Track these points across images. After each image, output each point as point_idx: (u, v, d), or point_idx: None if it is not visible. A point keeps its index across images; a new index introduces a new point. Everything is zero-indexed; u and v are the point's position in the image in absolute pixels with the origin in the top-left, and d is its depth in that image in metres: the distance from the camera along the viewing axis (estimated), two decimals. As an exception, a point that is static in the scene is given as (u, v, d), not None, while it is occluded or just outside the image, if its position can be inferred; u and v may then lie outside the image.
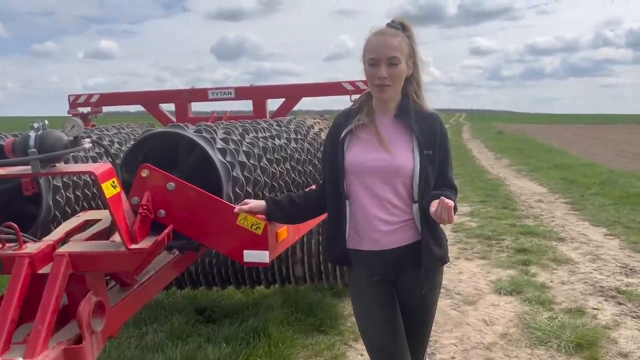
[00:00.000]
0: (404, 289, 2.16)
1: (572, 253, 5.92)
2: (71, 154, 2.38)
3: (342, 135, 2.08)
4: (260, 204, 2.12)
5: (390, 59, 1.98)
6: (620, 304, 4.37)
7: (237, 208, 2.07)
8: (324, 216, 2.86)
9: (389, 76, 1.99)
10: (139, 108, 5.30)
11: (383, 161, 2.03)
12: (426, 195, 2.04)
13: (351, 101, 4.77)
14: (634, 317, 4.08)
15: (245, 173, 2.39)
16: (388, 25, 2.07)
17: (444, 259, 2.15)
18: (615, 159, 17.31)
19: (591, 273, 5.19)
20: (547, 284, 4.88)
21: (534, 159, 17.34)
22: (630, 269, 5.27)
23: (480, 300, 4.56)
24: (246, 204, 2.10)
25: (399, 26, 2.05)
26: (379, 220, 2.06)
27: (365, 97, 2.16)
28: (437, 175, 2.08)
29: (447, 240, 2.19)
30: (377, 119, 2.09)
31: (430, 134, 2.05)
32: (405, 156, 2.02)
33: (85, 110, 4.86)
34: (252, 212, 2.08)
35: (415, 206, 2.04)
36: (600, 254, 5.84)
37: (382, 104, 2.09)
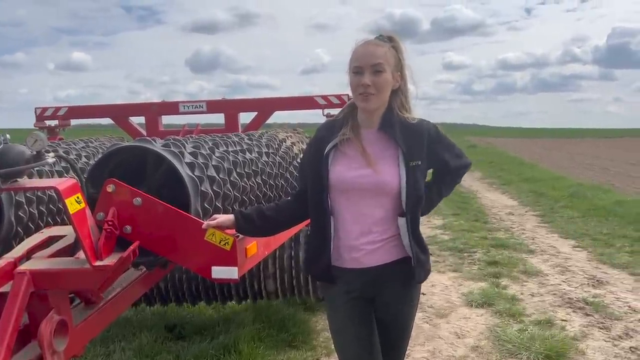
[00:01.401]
0: (381, 306, 2.13)
1: (542, 265, 6.01)
2: (36, 169, 2.33)
3: (327, 150, 2.01)
4: (228, 218, 2.08)
5: (374, 65, 1.94)
6: (587, 315, 4.44)
7: (205, 224, 2.03)
8: (295, 229, 2.85)
9: (373, 84, 1.94)
10: (110, 120, 5.22)
11: (367, 178, 1.98)
12: (417, 209, 2.03)
13: (324, 115, 4.80)
14: (600, 328, 4.15)
15: (214, 187, 2.36)
16: (376, 38, 2.03)
17: (428, 270, 2.15)
18: (583, 172, 17.73)
19: (560, 285, 5.28)
20: (517, 296, 4.94)
21: (505, 172, 17.65)
22: (597, 281, 5.37)
23: (452, 313, 4.58)
24: (214, 219, 2.06)
25: (387, 39, 2.02)
26: (361, 238, 2.02)
27: (349, 109, 2.10)
28: (441, 165, 2.12)
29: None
30: (361, 133, 2.04)
31: (417, 143, 2.00)
32: (390, 172, 1.97)
33: (53, 123, 4.77)
34: (220, 227, 2.05)
35: (402, 220, 2.00)
36: (569, 266, 5.94)
37: (366, 115, 2.03)
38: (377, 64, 1.94)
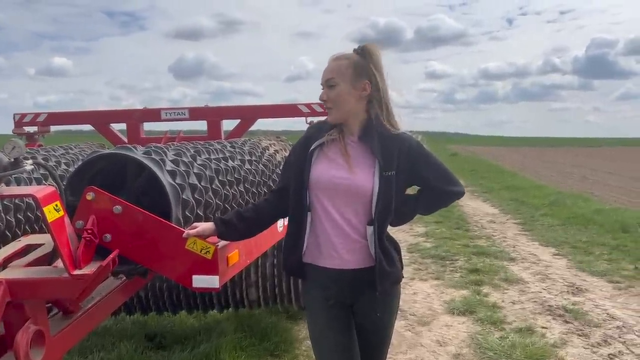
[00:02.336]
0: (360, 312, 2.15)
1: (522, 273, 6.07)
2: (14, 176, 2.29)
3: (312, 148, 2.08)
4: (209, 226, 2.07)
5: (327, 81, 2.06)
6: (567, 322, 4.49)
7: (185, 232, 2.02)
8: (278, 237, 2.85)
9: (328, 98, 2.06)
10: (91, 126, 5.16)
11: (344, 180, 2.03)
12: (386, 219, 2.07)
13: (307, 123, 4.81)
14: (579, 335, 4.20)
15: (196, 195, 2.35)
16: (354, 50, 2.10)
17: (398, 279, 2.16)
18: (562, 181, 18.00)
19: (540, 292, 5.33)
20: (498, 303, 4.98)
21: (486, 180, 17.83)
22: (576, 288, 5.44)
23: (434, 321, 4.60)
24: (194, 227, 2.05)
25: (360, 50, 2.07)
26: (337, 238, 2.06)
27: None
28: (422, 183, 2.15)
29: (401, 257, 2.20)
30: (345, 137, 2.10)
31: (393, 155, 2.03)
32: (365, 177, 2.02)
33: (32, 129, 4.69)
34: (202, 235, 2.04)
35: (370, 228, 2.03)
36: (549, 274, 6.01)
37: (346, 126, 2.10)
38: (329, 79, 2.05)
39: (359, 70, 2.05)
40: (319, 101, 2.15)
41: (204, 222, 2.40)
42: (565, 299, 5.12)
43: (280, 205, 2.17)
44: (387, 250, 2.10)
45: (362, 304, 2.13)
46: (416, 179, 2.13)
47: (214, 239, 2.10)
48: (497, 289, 5.47)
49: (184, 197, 2.22)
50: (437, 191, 2.16)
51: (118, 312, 4.00)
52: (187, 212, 2.24)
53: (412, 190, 2.21)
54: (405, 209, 2.17)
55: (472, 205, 11.97)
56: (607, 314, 4.67)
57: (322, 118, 3.83)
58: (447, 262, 6.61)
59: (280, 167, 3.64)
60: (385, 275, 2.07)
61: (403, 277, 2.21)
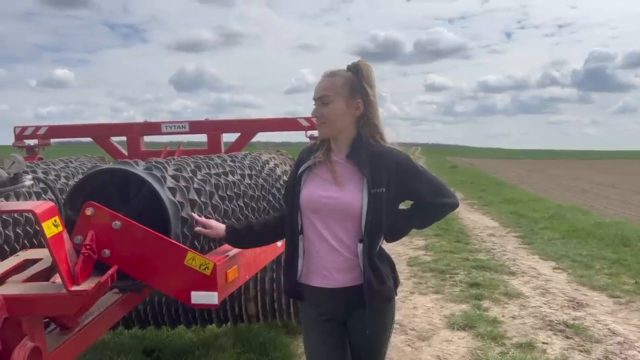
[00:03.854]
0: (352, 329, 2.17)
1: (522, 287, 6.04)
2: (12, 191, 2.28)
3: (300, 171, 2.12)
4: (220, 230, 2.24)
5: (320, 98, 2.07)
6: (568, 337, 4.47)
7: (197, 228, 2.23)
8: (278, 252, 2.86)
9: (320, 115, 2.08)
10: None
11: (332, 199, 2.05)
12: (377, 236, 2.07)
13: (307, 137, 4.81)
14: (581, 351, 4.18)
15: (195, 211, 2.34)
16: (347, 67, 2.11)
17: (389, 297, 2.15)
18: (562, 194, 17.99)
19: (541, 307, 5.30)
20: (499, 318, 4.95)
21: (486, 192, 17.81)
22: (577, 303, 5.41)
23: (434, 336, 4.57)
24: (208, 225, 2.23)
25: (353, 68, 2.09)
26: (329, 257, 2.08)
27: None
28: (414, 197, 2.17)
29: (394, 273, 2.19)
30: (333, 155, 2.12)
31: (382, 171, 2.04)
32: (353, 195, 2.04)
33: (32, 142, 4.70)
34: (210, 235, 2.24)
35: (360, 246, 2.05)
36: (549, 288, 5.98)
37: (334, 141, 2.13)
38: (323, 96, 2.07)
39: (354, 88, 2.07)
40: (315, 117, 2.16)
41: (208, 240, 2.44)
42: (566, 313, 5.09)
43: (281, 226, 2.25)
44: (377, 268, 2.09)
45: (354, 320, 2.15)
46: (408, 193, 2.14)
47: (214, 257, 2.13)
48: (497, 303, 5.44)
49: (183, 214, 2.21)
50: (430, 204, 2.16)
51: (116, 326, 3.97)
52: (185, 230, 2.23)
53: (405, 205, 2.22)
54: (399, 224, 2.17)
55: (471, 218, 11.95)
56: (608, 329, 4.65)
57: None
58: (447, 275, 6.58)
59: (280, 181, 3.64)
60: (374, 294, 2.06)
61: (396, 295, 2.20)
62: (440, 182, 2.18)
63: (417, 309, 5.31)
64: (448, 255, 7.69)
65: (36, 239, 2.62)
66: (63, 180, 3.13)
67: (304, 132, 4.78)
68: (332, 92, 2.06)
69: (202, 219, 2.28)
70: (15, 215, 2.49)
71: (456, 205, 2.23)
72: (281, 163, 3.92)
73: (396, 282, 2.21)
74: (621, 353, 4.13)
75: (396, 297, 2.22)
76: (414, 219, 2.21)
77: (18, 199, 2.57)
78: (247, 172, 3.14)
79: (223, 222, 2.69)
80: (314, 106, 2.11)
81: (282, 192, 3.61)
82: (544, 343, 4.34)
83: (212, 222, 2.28)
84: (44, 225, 1.83)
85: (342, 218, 2.06)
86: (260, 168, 3.39)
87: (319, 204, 2.07)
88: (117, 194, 2.19)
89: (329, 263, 2.09)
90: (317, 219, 2.08)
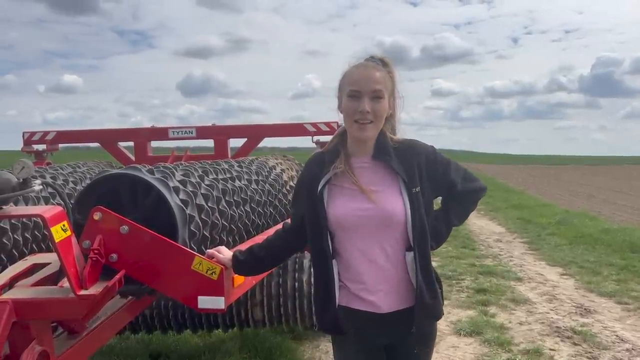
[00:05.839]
0: (395, 353, 1.95)
1: (529, 293, 6.01)
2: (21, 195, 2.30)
3: (320, 187, 1.84)
4: (227, 259, 2.06)
5: (374, 91, 1.79)
6: (575, 344, 4.43)
7: (207, 253, 2.08)
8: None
9: (372, 111, 1.79)
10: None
11: (369, 211, 1.80)
12: (426, 242, 1.84)
13: (313, 142, 4.82)
14: (589, 358, 4.14)
15: (202, 216, 2.35)
16: (367, 60, 1.88)
17: (438, 315, 1.93)
18: (569, 200, 17.90)
19: (548, 313, 5.27)
20: (505, 324, 4.92)
21: (493, 198, 17.74)
22: (585, 309, 5.37)
23: (441, 342, 4.54)
24: (217, 254, 2.07)
25: (379, 62, 1.87)
26: (373, 278, 1.84)
27: (338, 139, 1.94)
28: (447, 190, 1.94)
29: (441, 289, 1.96)
30: (354, 163, 1.88)
31: (414, 168, 1.84)
32: (392, 201, 1.80)
33: (41, 147, 4.74)
34: (219, 264, 2.05)
35: (410, 255, 1.81)
36: (557, 294, 5.95)
37: (358, 144, 1.87)
38: (378, 90, 1.79)
39: (391, 85, 1.87)
40: (358, 114, 1.81)
41: (210, 242, 2.42)
42: (573, 320, 5.05)
43: (294, 243, 2.06)
44: (430, 280, 1.86)
45: (400, 344, 1.93)
46: (442, 186, 1.92)
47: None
48: (504, 309, 5.41)
49: (192, 224, 2.22)
50: (463, 193, 1.96)
51: (122, 331, 3.97)
52: (193, 230, 2.24)
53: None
54: (440, 226, 1.95)
55: (478, 223, 11.90)
56: (617, 335, 4.61)
57: (328, 137, 3.83)
58: (454, 281, 6.56)
59: (287, 187, 3.65)
60: (426, 309, 1.84)
61: (443, 313, 1.97)
62: (465, 168, 2.00)
63: (423, 314, 5.28)
64: (454, 261, 7.66)
65: (44, 243, 2.64)
66: (71, 185, 3.16)
67: (310, 137, 4.80)
68: (384, 86, 1.81)
69: (209, 250, 2.11)
70: (24, 220, 2.51)
71: (486, 188, 2.05)
72: (288, 168, 3.94)
73: (443, 300, 1.97)
74: (629, 360, 4.10)
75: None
76: (451, 215, 1.98)
77: (27, 204, 2.59)
78: (254, 177, 3.16)
79: (230, 229, 2.70)
80: (352, 99, 1.80)
81: (290, 202, 3.60)
82: (551, 349, 4.31)
83: (221, 251, 2.09)
84: (53, 229, 1.84)
85: (383, 229, 1.81)
86: (267, 173, 3.40)
87: (355, 217, 1.81)
88: (125, 198, 2.21)
89: (375, 283, 1.83)
90: (352, 236, 1.83)
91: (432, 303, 1.86)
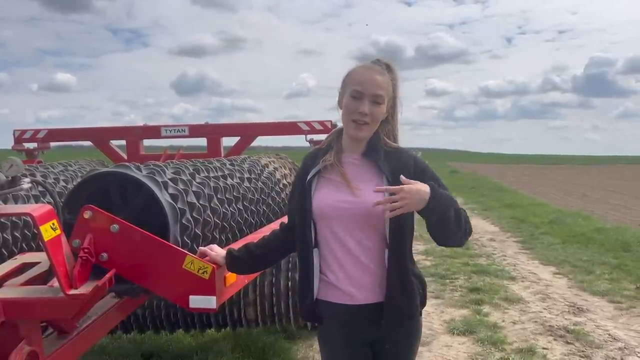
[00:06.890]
0: (381, 348, 1.98)
1: (523, 292, 6.02)
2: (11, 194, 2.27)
3: (309, 177, 1.93)
4: (220, 257, 2.08)
5: (375, 96, 1.86)
6: (568, 343, 4.44)
7: (199, 251, 2.10)
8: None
9: (370, 114, 1.86)
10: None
11: (350, 203, 1.86)
12: (404, 240, 1.89)
13: (307, 141, 4.81)
14: (581, 357, 4.15)
15: (194, 214, 2.33)
16: (373, 62, 1.94)
17: (410, 313, 1.93)
18: (562, 199, 17.97)
19: (541, 312, 5.28)
20: (499, 323, 4.93)
21: (486, 197, 17.79)
22: (577, 308, 5.39)
23: (434, 341, 4.55)
24: (209, 252, 2.08)
25: (385, 67, 1.93)
26: (353, 268, 1.89)
27: (334, 136, 2.02)
28: None
29: (423, 291, 1.98)
30: (344, 158, 1.95)
31: (401, 169, 1.86)
32: (374, 197, 1.81)
33: (32, 145, 4.70)
34: (212, 262, 2.04)
35: (387, 252, 1.86)
36: (550, 293, 5.97)
37: (352, 141, 1.94)
38: (379, 95, 1.87)
39: (394, 91, 1.94)
40: (357, 114, 1.87)
41: (202, 240, 2.40)
42: (566, 319, 5.07)
43: (289, 243, 2.07)
44: (406, 279, 1.89)
45: (384, 340, 1.96)
46: None
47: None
48: (497, 308, 5.42)
49: (183, 220, 2.20)
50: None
51: (114, 330, 3.95)
52: (184, 233, 2.23)
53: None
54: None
55: (472, 223, 11.90)
56: (609, 334, 4.63)
57: (322, 136, 3.81)
58: (447, 280, 6.56)
59: (279, 185, 3.64)
60: (394, 306, 1.87)
61: (420, 314, 1.99)
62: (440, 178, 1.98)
63: (417, 313, 5.28)
64: (448, 260, 7.67)
65: (34, 242, 2.62)
66: (62, 183, 3.13)
67: (304, 136, 4.79)
68: (385, 92, 1.89)
69: (202, 248, 2.14)
70: (13, 218, 2.48)
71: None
72: (280, 167, 3.92)
73: (423, 301, 1.99)
74: (622, 359, 4.11)
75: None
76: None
77: (16, 202, 2.57)
78: (246, 175, 3.14)
79: (222, 226, 2.68)
80: (354, 99, 1.87)
81: (284, 200, 3.59)
82: (544, 348, 4.32)
83: (213, 249, 2.12)
84: (42, 228, 1.82)
85: (363, 223, 1.87)
86: (259, 171, 3.39)
87: (334, 209, 1.87)
88: (116, 197, 2.19)
89: (355, 276, 1.88)
90: (333, 227, 1.89)
91: (403, 301, 1.89)
